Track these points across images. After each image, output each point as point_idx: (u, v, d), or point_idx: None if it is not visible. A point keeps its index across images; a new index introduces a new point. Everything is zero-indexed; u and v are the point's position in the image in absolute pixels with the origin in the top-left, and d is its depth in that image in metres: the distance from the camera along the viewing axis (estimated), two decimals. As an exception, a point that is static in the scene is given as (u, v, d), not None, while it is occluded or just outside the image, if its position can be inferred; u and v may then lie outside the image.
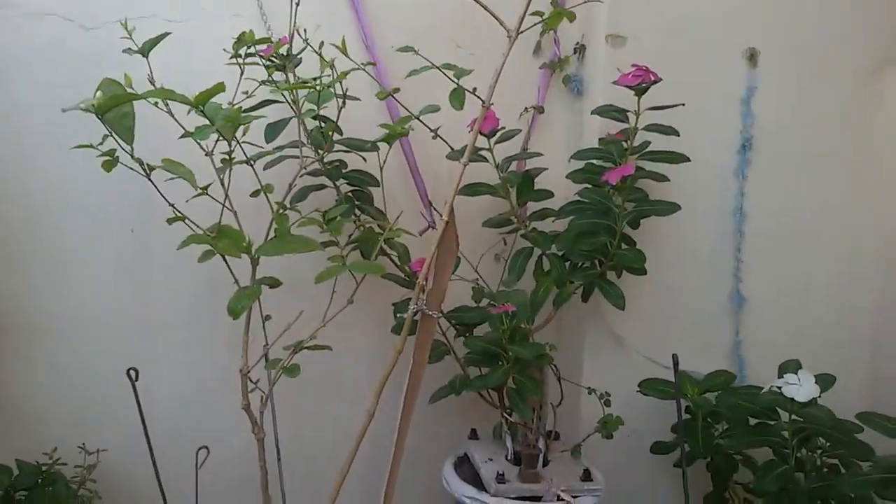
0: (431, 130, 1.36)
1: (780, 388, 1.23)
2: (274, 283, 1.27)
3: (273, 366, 1.26)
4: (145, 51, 1.21)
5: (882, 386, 1.60)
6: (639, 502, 1.58)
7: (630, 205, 1.35)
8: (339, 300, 1.31)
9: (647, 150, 1.40)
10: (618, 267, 1.40)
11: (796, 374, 1.24)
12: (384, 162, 1.37)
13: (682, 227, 1.54)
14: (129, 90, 1.12)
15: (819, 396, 1.22)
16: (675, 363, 1.28)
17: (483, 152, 1.40)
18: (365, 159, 1.42)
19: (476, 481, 1.38)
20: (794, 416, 1.25)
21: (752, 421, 1.35)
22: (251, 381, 1.26)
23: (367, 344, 1.55)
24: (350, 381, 1.55)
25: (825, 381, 1.26)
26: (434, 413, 1.57)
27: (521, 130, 1.48)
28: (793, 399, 1.21)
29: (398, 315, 1.36)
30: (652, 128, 1.37)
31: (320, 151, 1.36)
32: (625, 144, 1.39)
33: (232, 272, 1.25)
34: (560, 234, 1.42)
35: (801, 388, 1.21)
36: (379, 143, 1.36)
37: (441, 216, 1.24)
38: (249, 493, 1.39)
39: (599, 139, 1.43)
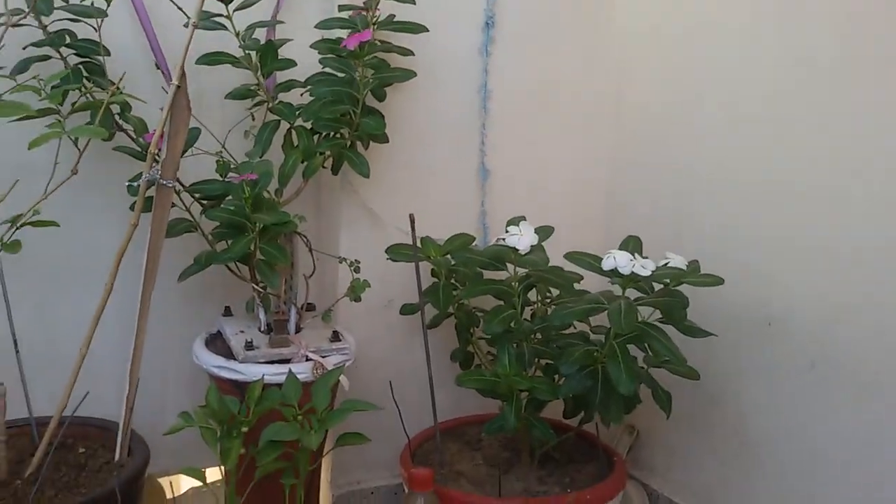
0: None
1: (504, 240, 1.35)
2: (-15, 155, 1.18)
3: (-10, 242, 1.18)
4: None
5: (613, 236, 1.78)
6: (396, 366, 1.67)
7: (370, 72, 1.38)
8: (65, 174, 1.25)
9: (391, 21, 1.43)
10: (363, 136, 1.44)
11: (518, 226, 1.35)
12: (100, 24, 1.30)
13: (431, 104, 1.61)
14: None
15: (539, 245, 1.35)
16: (412, 222, 1.35)
17: (221, 20, 1.36)
18: (96, 28, 1.34)
19: (229, 354, 1.40)
20: (518, 267, 1.37)
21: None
22: (-34, 259, 1.18)
23: (110, 225, 1.48)
24: (94, 263, 1.49)
25: (545, 231, 1.38)
26: (188, 294, 1.56)
27: (262, -1, 1.45)
28: (515, 249, 1.33)
29: (130, 186, 1.31)
30: (391, -3, 1.40)
31: (43, 20, 1.26)
32: (366, 14, 1.40)
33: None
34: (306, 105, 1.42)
35: (521, 237, 1.32)
36: (102, 7, 1.28)
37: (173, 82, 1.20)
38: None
39: (339, 6, 1.44)
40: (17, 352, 1.39)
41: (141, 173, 1.28)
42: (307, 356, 1.35)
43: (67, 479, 1.31)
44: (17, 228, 1.21)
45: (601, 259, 1.23)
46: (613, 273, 1.22)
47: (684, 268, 1.28)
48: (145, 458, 1.32)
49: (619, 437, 1.79)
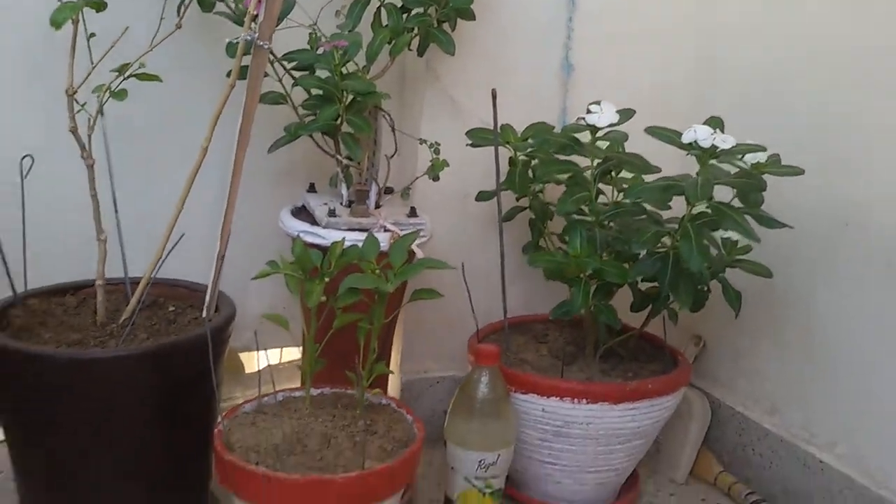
0: None
1: (584, 119, 1.36)
2: (99, 6, 1.25)
3: (100, 90, 1.26)
4: None
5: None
6: (468, 259, 1.70)
7: (459, -56, 1.40)
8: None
9: None
10: (450, 14, 1.46)
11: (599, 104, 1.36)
12: None
13: (517, -3, 1.62)
14: None
15: (618, 124, 1.35)
16: (494, 98, 1.37)
17: None
18: None
19: (313, 224, 1.46)
20: (594, 147, 1.37)
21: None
22: (77, 102, 1.26)
23: (206, 90, 1.52)
24: (190, 126, 1.53)
25: (626, 113, 1.37)
26: (275, 171, 1.63)
27: None
28: (594, 126, 1.34)
29: (230, 45, 1.37)
30: None
31: None
32: None
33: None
34: (397, -19, 1.45)
35: (601, 115, 1.33)
36: None
37: (271, -55, 1.25)
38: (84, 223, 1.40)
39: None
40: (117, 212, 1.48)
41: (237, 37, 1.33)
42: (385, 227, 1.40)
43: (159, 327, 1.40)
44: (125, 78, 1.28)
45: (681, 133, 1.23)
46: (693, 146, 1.21)
47: (766, 154, 1.27)
48: (232, 313, 1.40)
49: (685, 347, 1.79)
